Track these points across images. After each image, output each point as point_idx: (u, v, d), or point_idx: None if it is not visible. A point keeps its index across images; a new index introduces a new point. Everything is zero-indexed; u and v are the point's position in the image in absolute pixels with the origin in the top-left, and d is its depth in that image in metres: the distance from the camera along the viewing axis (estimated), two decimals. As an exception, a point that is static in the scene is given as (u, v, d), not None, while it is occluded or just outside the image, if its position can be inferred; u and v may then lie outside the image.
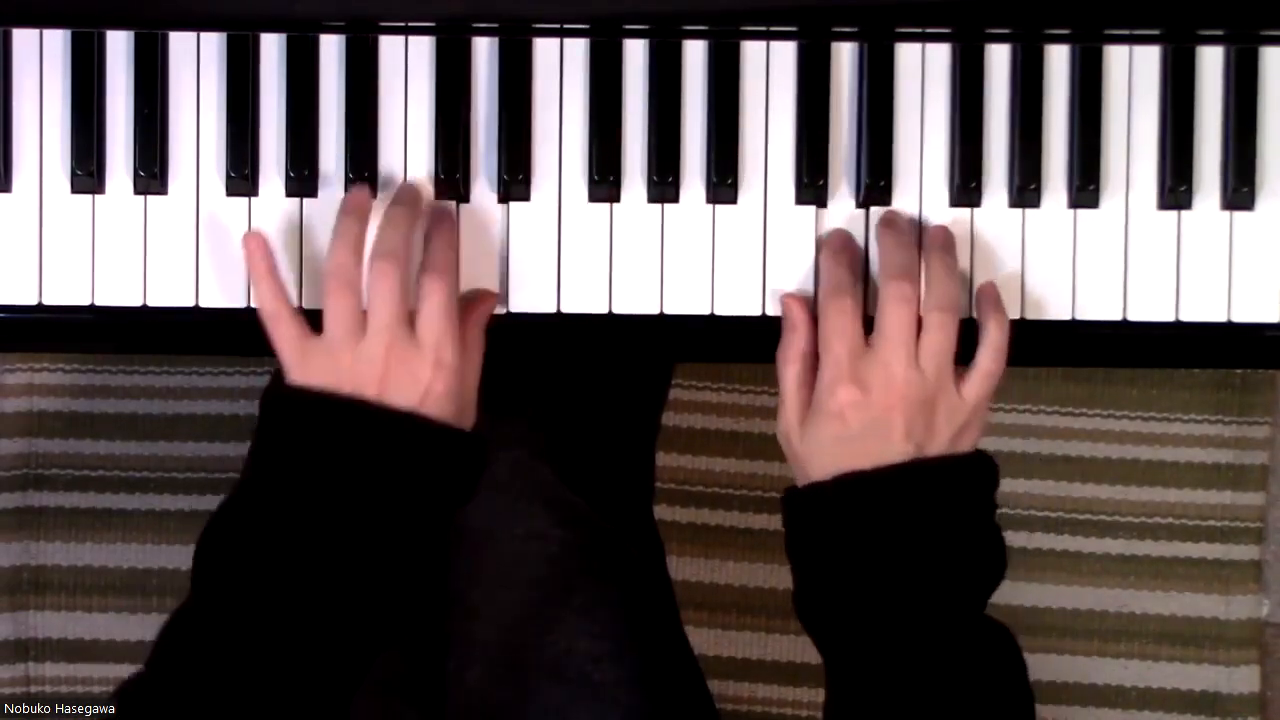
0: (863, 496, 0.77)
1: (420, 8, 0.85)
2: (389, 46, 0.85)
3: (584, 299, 0.85)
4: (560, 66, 0.86)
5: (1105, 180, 0.86)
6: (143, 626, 1.48)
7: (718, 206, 0.86)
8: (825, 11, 0.85)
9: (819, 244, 0.85)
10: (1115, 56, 0.86)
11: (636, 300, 0.86)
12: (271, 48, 0.85)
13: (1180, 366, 1.37)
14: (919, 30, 0.86)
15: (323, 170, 0.85)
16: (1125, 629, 1.51)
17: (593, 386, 1.03)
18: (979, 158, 0.86)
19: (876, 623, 0.76)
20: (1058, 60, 0.86)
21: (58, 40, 0.85)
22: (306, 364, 0.78)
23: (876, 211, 0.86)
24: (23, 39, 0.85)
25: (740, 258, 0.86)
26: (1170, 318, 0.86)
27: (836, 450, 0.78)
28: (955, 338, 0.79)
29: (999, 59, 0.86)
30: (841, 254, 0.83)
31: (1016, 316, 0.86)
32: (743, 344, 0.86)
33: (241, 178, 0.85)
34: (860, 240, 0.86)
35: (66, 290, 0.85)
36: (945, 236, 0.84)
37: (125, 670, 1.47)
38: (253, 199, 0.85)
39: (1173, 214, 0.86)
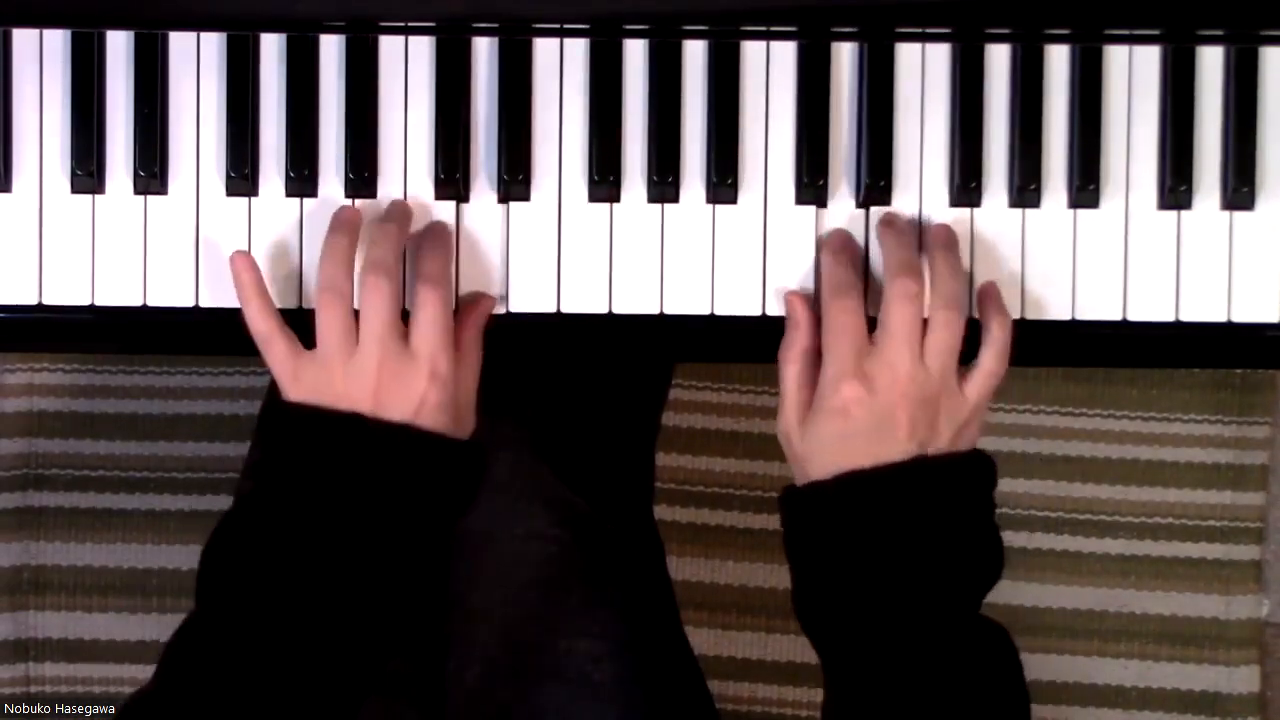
0: (865, 495, 0.77)
1: (420, 8, 0.85)
2: (389, 46, 0.85)
3: (584, 299, 0.85)
4: (560, 66, 0.86)
5: (1105, 180, 0.86)
6: (143, 626, 1.48)
7: (718, 206, 0.86)
8: (825, 11, 0.85)
9: (819, 244, 0.85)
10: (1115, 56, 0.86)
11: (636, 300, 0.85)
12: (271, 48, 0.85)
13: (1180, 366, 1.37)
14: (919, 30, 0.86)
15: (323, 170, 0.85)
16: (1125, 629, 1.51)
17: (593, 386, 1.03)
18: (979, 158, 0.86)
19: (875, 622, 0.76)
20: (1058, 60, 0.86)
21: (58, 40, 0.85)
22: (300, 381, 0.79)
23: (877, 211, 0.86)
24: (23, 39, 0.85)
25: (740, 258, 0.86)
26: (1170, 318, 0.86)
27: (838, 448, 0.78)
28: (961, 336, 0.79)
29: (999, 59, 0.86)
30: (842, 253, 0.83)
31: (1017, 316, 0.86)
32: (743, 344, 0.86)
33: (241, 178, 0.85)
34: (860, 240, 0.86)
35: (66, 290, 0.85)
36: (948, 235, 0.84)
37: (125, 670, 1.48)
38: (253, 199, 0.85)
39: (1173, 214, 0.86)
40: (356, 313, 0.78)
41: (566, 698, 0.91)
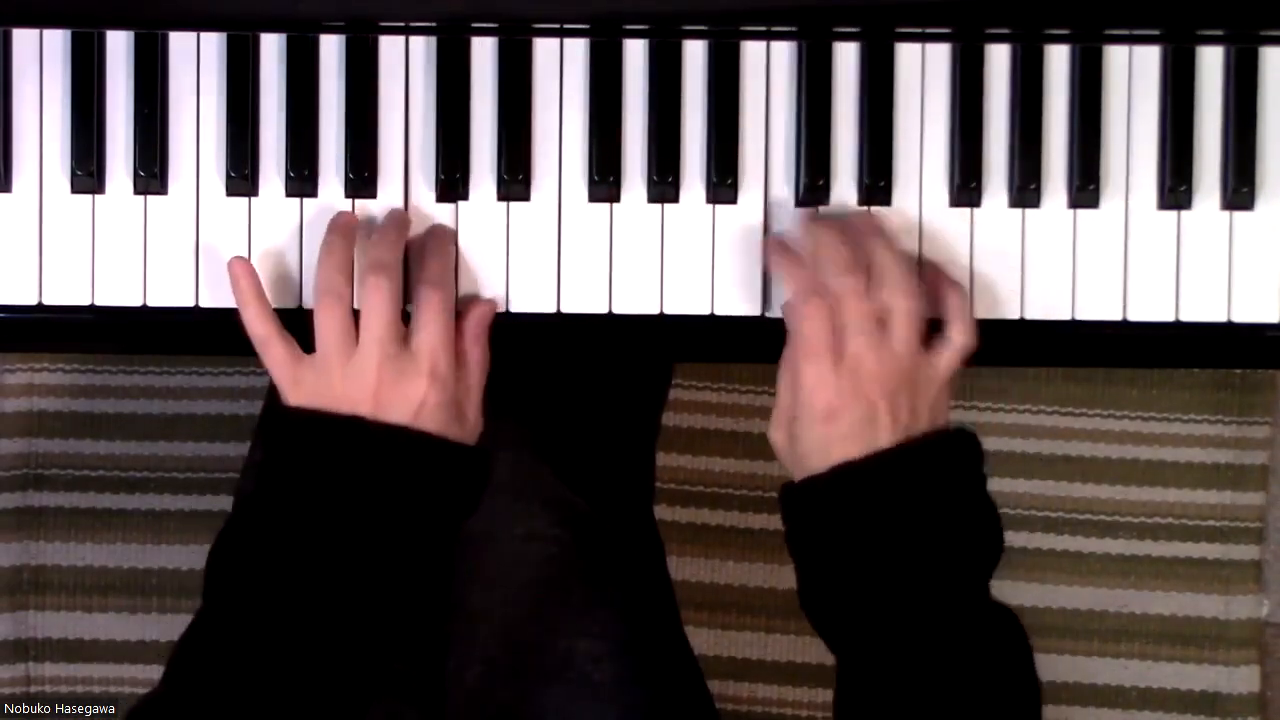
0: (859, 484, 0.77)
1: (420, 8, 0.85)
2: (389, 46, 0.85)
3: (584, 299, 0.85)
4: (560, 66, 0.86)
5: (1105, 180, 0.86)
6: (143, 626, 1.48)
7: (718, 206, 0.86)
8: (825, 11, 0.85)
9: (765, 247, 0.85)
10: (1115, 56, 0.86)
11: (636, 300, 0.85)
12: (271, 48, 0.85)
13: (1180, 366, 1.37)
14: (919, 30, 0.86)
15: (323, 170, 0.85)
16: (1125, 629, 1.51)
17: (593, 386, 1.03)
18: (979, 158, 0.86)
19: (882, 609, 0.76)
20: (1058, 60, 0.86)
21: (58, 40, 0.85)
22: (300, 384, 0.79)
23: (877, 211, 0.86)
24: (23, 39, 0.85)
25: (740, 258, 0.86)
26: (1170, 318, 0.86)
27: (829, 447, 0.78)
28: (920, 315, 0.79)
29: (999, 59, 0.86)
30: (786, 256, 0.83)
31: (1016, 316, 0.86)
32: (743, 344, 0.86)
33: (241, 178, 0.85)
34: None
35: (66, 290, 0.85)
36: (874, 222, 0.84)
37: (125, 670, 1.48)
38: (253, 199, 0.85)
39: (1173, 214, 0.86)
40: (356, 316, 0.78)
41: (566, 698, 0.91)
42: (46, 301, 0.85)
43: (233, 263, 0.81)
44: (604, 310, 0.85)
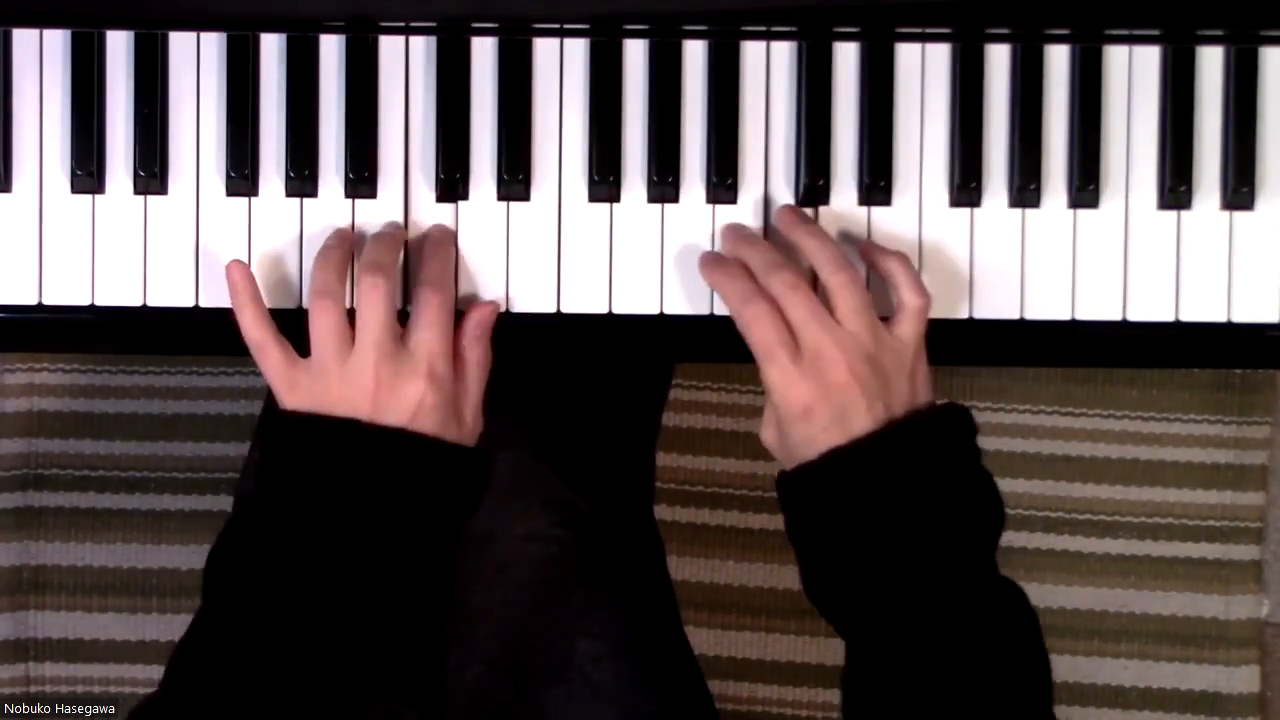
0: (849, 468, 0.77)
1: (420, 8, 0.85)
2: (389, 46, 0.85)
3: (584, 299, 0.85)
4: (560, 66, 0.86)
5: (1105, 180, 0.86)
6: (143, 626, 1.48)
7: (718, 206, 0.86)
8: (825, 11, 0.85)
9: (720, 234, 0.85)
10: (1115, 56, 0.86)
11: (636, 300, 0.86)
12: (271, 48, 0.85)
13: (1180, 366, 1.37)
14: (919, 30, 0.86)
15: (323, 170, 0.85)
16: (1125, 629, 1.51)
17: (593, 386, 1.03)
18: (979, 158, 0.86)
19: (884, 589, 0.76)
20: (1058, 60, 0.86)
21: (58, 40, 0.85)
22: (296, 388, 0.79)
23: (877, 211, 0.86)
24: (23, 39, 0.85)
25: (740, 258, 0.85)
26: (1170, 318, 0.86)
27: (814, 441, 0.78)
28: (864, 288, 0.79)
29: (999, 59, 0.86)
30: (726, 266, 0.82)
31: (1016, 316, 0.86)
32: (743, 344, 0.86)
33: (241, 178, 0.85)
34: (863, 237, 0.86)
35: (66, 290, 0.85)
36: (793, 212, 0.84)
37: (125, 670, 1.48)
38: (253, 199, 0.85)
39: (1173, 214, 0.86)
40: (352, 319, 0.78)
41: (566, 698, 0.91)
42: (46, 301, 0.85)
43: (230, 267, 0.81)
44: (604, 310, 0.85)
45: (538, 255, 0.85)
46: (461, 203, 0.85)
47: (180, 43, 0.85)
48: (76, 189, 0.85)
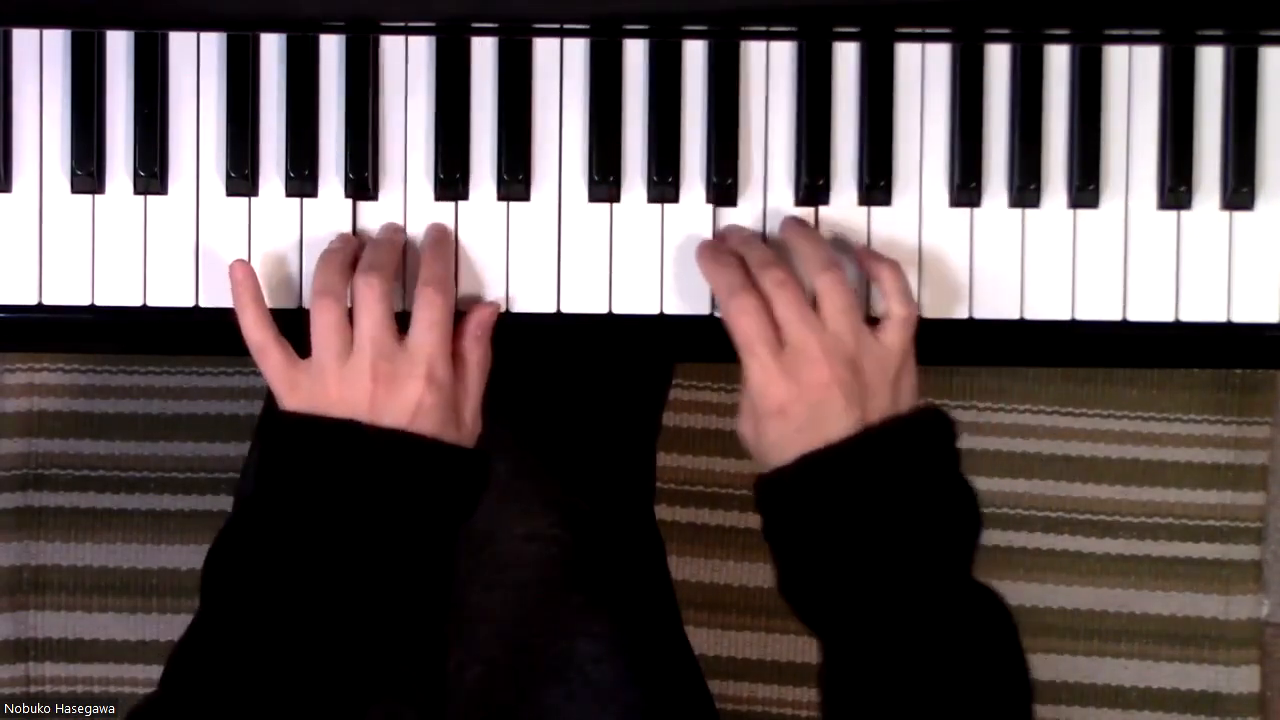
0: (822, 473, 0.77)
1: (420, 8, 0.85)
2: (389, 46, 0.85)
3: (584, 299, 0.85)
4: (560, 66, 0.86)
5: (1105, 180, 0.86)
6: (143, 626, 1.48)
7: (718, 206, 0.86)
8: (825, 11, 0.85)
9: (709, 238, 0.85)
10: (1115, 56, 0.86)
11: (636, 300, 0.86)
12: (271, 48, 0.85)
13: (1180, 366, 1.37)
14: (919, 30, 0.86)
15: (323, 170, 0.85)
16: (1125, 629, 1.51)
17: (593, 386, 1.03)
18: (979, 158, 0.86)
19: (858, 593, 0.76)
20: (1058, 60, 0.86)
21: (58, 40, 0.85)
22: (296, 389, 0.79)
23: (877, 211, 0.86)
24: (23, 39, 0.85)
25: (740, 258, 0.85)
26: (1170, 318, 0.86)
27: (791, 440, 0.77)
28: (851, 291, 0.79)
29: (999, 59, 0.86)
30: (719, 256, 0.82)
31: (1016, 316, 0.86)
32: (743, 344, 0.86)
33: (241, 178, 0.85)
34: (862, 237, 0.86)
35: (66, 290, 0.85)
36: (791, 218, 0.84)
37: (125, 670, 1.48)
38: (253, 199, 0.85)
39: (1173, 214, 0.86)
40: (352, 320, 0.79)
41: (566, 698, 0.91)
42: (46, 301, 0.85)
43: (234, 266, 0.81)
44: (604, 310, 0.85)
45: (538, 255, 0.85)
46: (461, 203, 0.85)
47: (180, 43, 0.85)
48: (76, 189, 0.85)
